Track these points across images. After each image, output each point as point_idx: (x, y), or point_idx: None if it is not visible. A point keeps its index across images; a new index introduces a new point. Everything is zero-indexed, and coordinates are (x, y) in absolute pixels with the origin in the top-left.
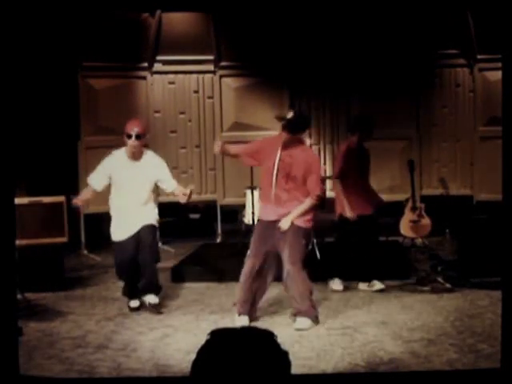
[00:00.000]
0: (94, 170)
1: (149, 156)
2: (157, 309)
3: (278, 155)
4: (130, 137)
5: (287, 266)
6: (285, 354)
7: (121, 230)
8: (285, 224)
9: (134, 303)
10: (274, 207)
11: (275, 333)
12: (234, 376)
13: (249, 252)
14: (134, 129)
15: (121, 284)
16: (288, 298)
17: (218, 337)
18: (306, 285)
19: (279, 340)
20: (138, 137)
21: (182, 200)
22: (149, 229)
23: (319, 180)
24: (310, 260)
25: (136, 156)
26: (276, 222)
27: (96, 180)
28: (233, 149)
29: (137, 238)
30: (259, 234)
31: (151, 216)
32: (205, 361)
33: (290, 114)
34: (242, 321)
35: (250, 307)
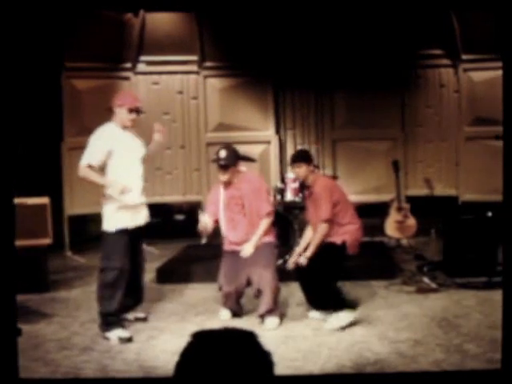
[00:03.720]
0: (86, 153)
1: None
2: (144, 319)
3: (222, 195)
4: (132, 111)
5: (260, 271)
6: (267, 354)
7: (128, 212)
8: (247, 251)
9: (126, 332)
10: (239, 242)
11: (261, 334)
12: (216, 377)
13: (220, 282)
14: (136, 103)
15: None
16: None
17: (200, 339)
18: (277, 286)
19: (264, 341)
20: (139, 111)
21: (159, 138)
22: (141, 239)
23: (267, 197)
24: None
25: (127, 129)
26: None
27: (96, 158)
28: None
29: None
30: (228, 265)
31: (147, 214)
32: (187, 363)
33: (222, 153)
34: (226, 314)
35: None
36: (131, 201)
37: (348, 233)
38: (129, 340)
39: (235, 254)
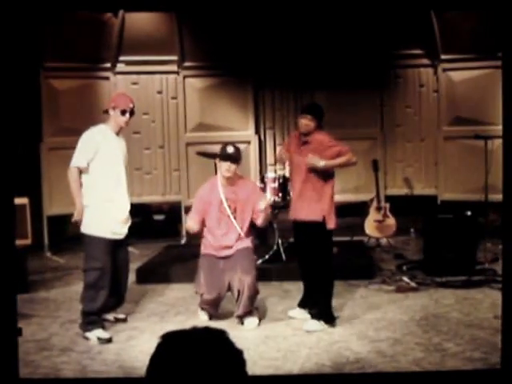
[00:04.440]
0: (76, 154)
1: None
2: (124, 320)
3: (220, 195)
4: (125, 113)
5: (242, 278)
6: (239, 352)
7: (113, 220)
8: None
9: (106, 333)
10: (222, 247)
11: (241, 334)
12: (187, 378)
13: (200, 288)
14: (129, 104)
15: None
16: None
17: (170, 339)
18: (256, 289)
19: (244, 340)
20: (132, 112)
21: None
22: (126, 241)
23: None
24: (276, 260)
25: (118, 132)
26: (222, 257)
27: (84, 159)
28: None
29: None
30: (207, 272)
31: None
32: (158, 365)
33: (230, 149)
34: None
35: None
36: (119, 217)
37: (326, 205)
38: (108, 341)
39: (214, 259)
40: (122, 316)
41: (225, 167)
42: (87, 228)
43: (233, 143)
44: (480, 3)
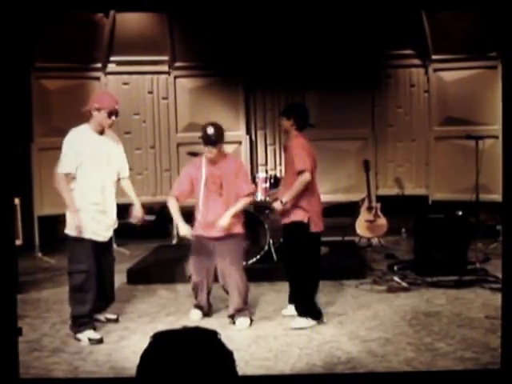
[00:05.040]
0: (60, 161)
1: (109, 132)
2: (116, 320)
3: (204, 172)
4: (111, 115)
5: (227, 268)
6: (229, 353)
7: (98, 225)
8: (223, 223)
9: (97, 334)
10: (210, 224)
11: (232, 334)
12: (177, 378)
13: (189, 270)
14: (115, 106)
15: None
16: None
17: (161, 339)
18: (246, 285)
19: (235, 340)
20: (118, 113)
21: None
22: (110, 244)
23: (247, 178)
24: (267, 261)
25: (101, 132)
26: (211, 238)
27: (70, 165)
28: (175, 204)
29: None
30: (197, 254)
31: (115, 223)
32: (148, 365)
33: (210, 130)
34: (197, 314)
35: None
36: (104, 220)
37: (309, 206)
38: (99, 341)
39: (204, 240)
40: (113, 316)
41: (206, 150)
42: (71, 230)
43: (213, 123)
44: (474, 3)
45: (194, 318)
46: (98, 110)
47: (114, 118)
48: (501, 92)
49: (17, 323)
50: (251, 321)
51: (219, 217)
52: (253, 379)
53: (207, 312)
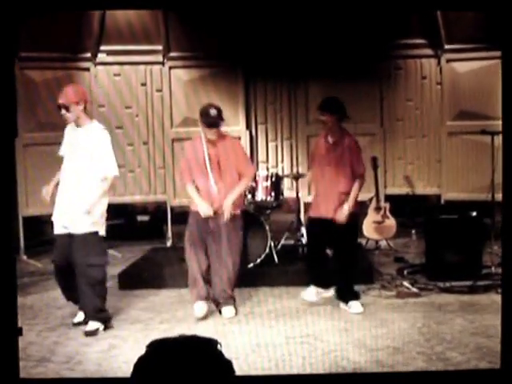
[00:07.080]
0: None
1: (94, 126)
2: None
3: (207, 153)
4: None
5: (225, 254)
6: (228, 362)
7: (55, 218)
8: (226, 205)
9: (78, 317)
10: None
11: (230, 342)
12: None
13: (187, 242)
14: (57, 100)
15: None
16: (250, 299)
17: (157, 348)
18: (237, 273)
19: (233, 349)
20: (59, 108)
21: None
22: (80, 241)
23: (247, 157)
24: (268, 264)
25: (79, 122)
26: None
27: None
28: (194, 188)
29: (71, 241)
30: (195, 224)
31: (86, 218)
32: (143, 375)
33: (212, 111)
34: (202, 308)
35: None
36: (55, 229)
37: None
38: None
39: (200, 218)
40: (91, 328)
41: (210, 133)
42: (102, 229)
43: (213, 104)
44: (480, 3)
45: (199, 315)
46: (77, 103)
47: (61, 112)
48: None
49: (17, 323)
50: (236, 311)
51: (220, 194)
52: (253, 379)
53: (207, 297)
